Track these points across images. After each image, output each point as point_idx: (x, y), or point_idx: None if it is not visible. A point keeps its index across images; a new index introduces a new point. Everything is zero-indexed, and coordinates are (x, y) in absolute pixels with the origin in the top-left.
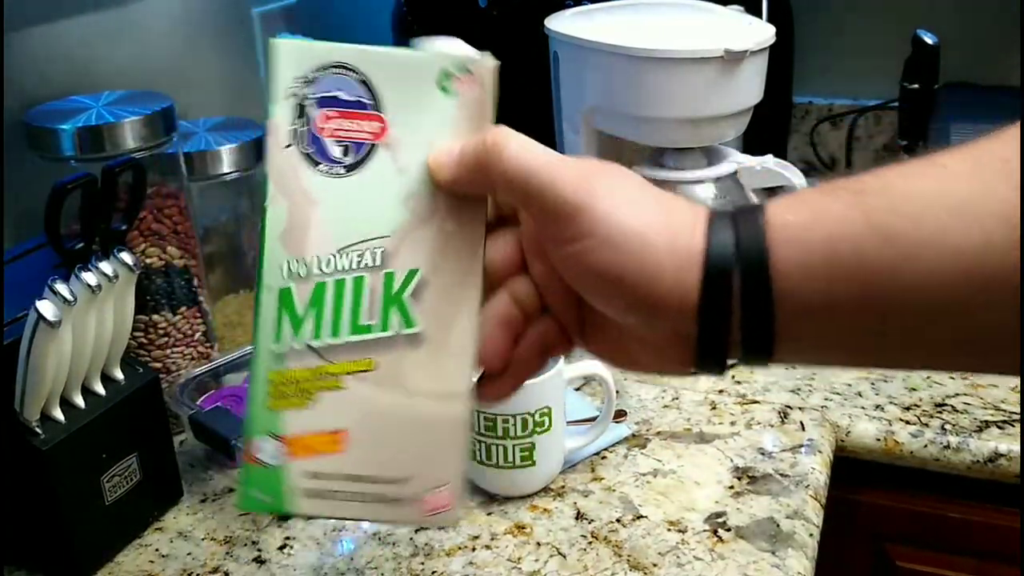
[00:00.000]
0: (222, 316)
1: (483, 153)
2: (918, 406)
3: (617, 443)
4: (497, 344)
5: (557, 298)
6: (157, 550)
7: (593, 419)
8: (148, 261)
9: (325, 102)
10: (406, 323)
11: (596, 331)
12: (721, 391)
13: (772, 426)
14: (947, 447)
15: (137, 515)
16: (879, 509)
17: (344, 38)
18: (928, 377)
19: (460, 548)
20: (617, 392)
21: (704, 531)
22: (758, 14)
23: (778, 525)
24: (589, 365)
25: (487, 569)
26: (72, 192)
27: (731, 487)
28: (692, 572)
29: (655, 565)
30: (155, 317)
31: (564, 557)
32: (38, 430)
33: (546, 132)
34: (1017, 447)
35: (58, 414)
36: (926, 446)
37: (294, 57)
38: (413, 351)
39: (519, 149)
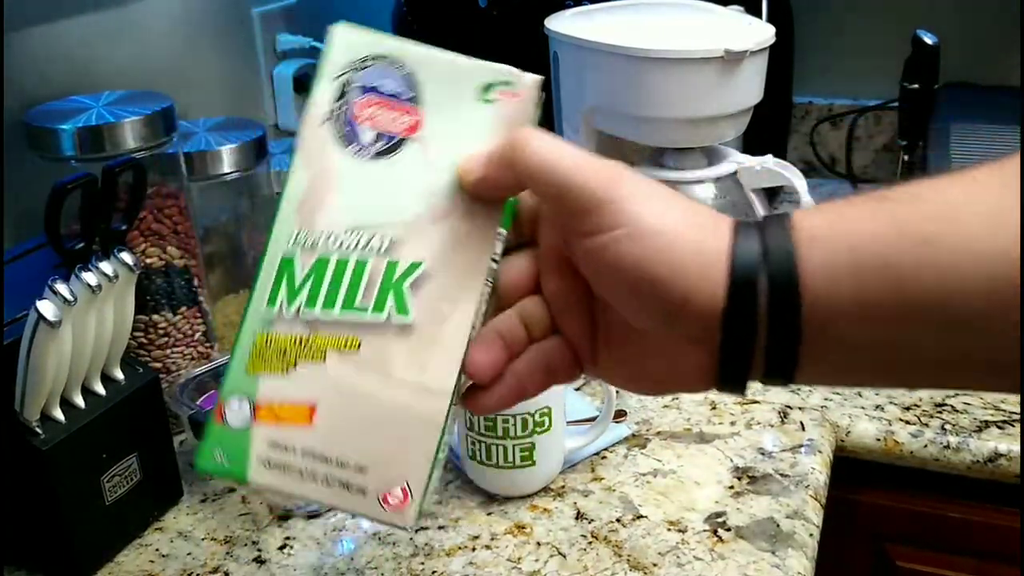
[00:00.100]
0: (222, 316)
1: (508, 149)
2: (918, 406)
3: (617, 443)
4: (489, 354)
5: (570, 317)
6: (157, 550)
7: (593, 419)
8: (148, 261)
9: (368, 89)
10: (400, 311)
11: (610, 350)
12: None
13: (772, 426)
14: (947, 447)
15: (137, 515)
16: (879, 509)
17: None
18: None
19: (460, 548)
20: (617, 392)
21: (704, 531)
22: (758, 14)
23: (778, 525)
24: None
25: (487, 569)
26: (72, 192)
27: (731, 487)
28: (692, 572)
29: (655, 565)
30: (155, 317)
31: (564, 557)
32: (38, 430)
33: (546, 132)
34: (1017, 447)
35: (58, 414)
36: (926, 446)
37: (350, 43)
38: (402, 340)
39: (545, 143)
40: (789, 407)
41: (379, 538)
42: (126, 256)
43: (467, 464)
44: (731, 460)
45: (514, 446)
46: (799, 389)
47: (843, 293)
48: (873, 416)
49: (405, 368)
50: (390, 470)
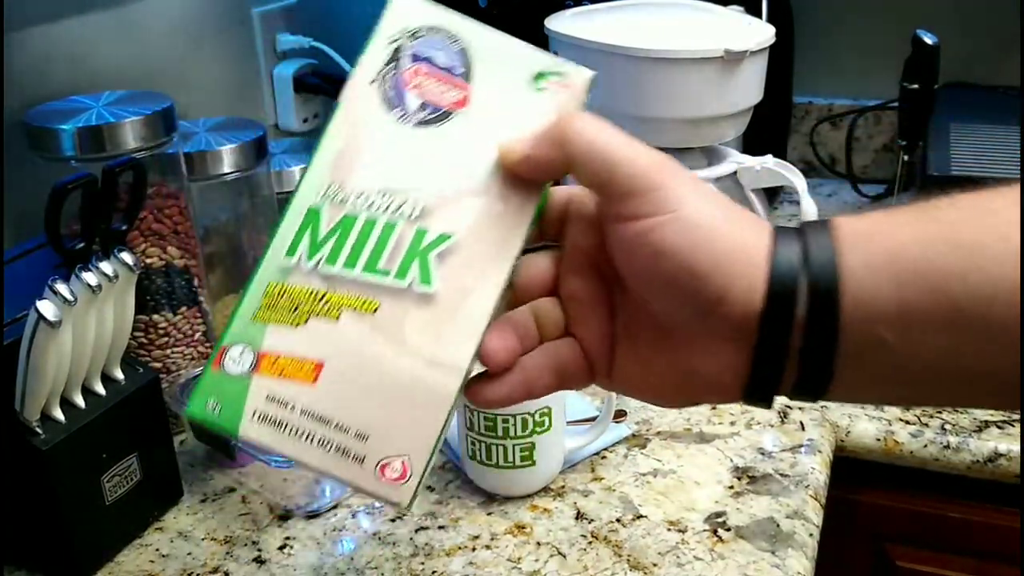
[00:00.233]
0: (222, 316)
1: (558, 128)
2: (918, 406)
3: (617, 443)
4: (504, 340)
5: (586, 323)
6: (157, 550)
7: (593, 419)
8: (148, 261)
9: (420, 59)
10: (424, 280)
11: (628, 357)
12: None
13: (772, 426)
14: (947, 447)
15: (137, 515)
16: (879, 509)
17: (344, 38)
18: None
19: (460, 548)
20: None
21: (704, 531)
22: (758, 14)
23: (778, 525)
24: None
25: (487, 569)
26: (72, 192)
27: (731, 487)
28: (692, 572)
29: (655, 565)
30: (155, 317)
31: (564, 557)
32: (38, 430)
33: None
34: (1017, 447)
35: (58, 414)
36: (926, 446)
37: (407, 10)
38: (421, 309)
39: (596, 124)
40: (789, 407)
41: (379, 538)
42: (126, 256)
43: (467, 464)
44: (731, 460)
45: (514, 446)
46: None
47: (884, 295)
48: (873, 416)
49: (421, 338)
50: (393, 442)
